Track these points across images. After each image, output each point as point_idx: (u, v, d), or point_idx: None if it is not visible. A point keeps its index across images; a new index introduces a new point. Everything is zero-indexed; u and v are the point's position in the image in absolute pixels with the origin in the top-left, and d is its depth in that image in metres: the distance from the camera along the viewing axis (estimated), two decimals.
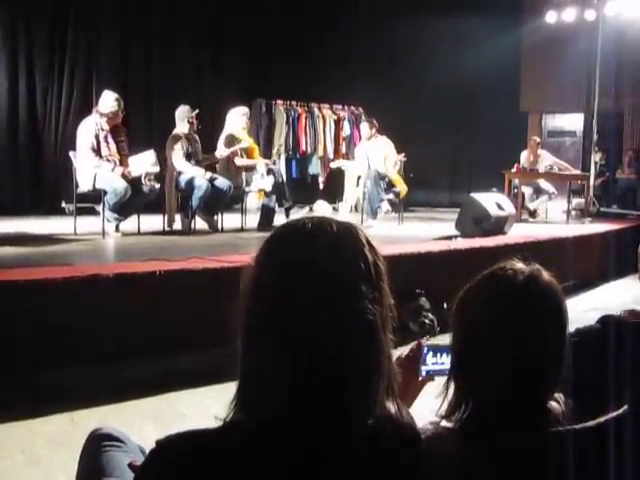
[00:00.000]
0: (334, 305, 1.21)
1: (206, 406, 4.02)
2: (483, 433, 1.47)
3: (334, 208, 12.20)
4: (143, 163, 7.81)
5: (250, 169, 8.86)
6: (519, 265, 1.55)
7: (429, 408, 1.60)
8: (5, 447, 3.33)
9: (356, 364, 1.21)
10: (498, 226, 8.38)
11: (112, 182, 7.47)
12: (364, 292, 1.23)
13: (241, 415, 1.24)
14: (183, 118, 8.48)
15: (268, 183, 8.67)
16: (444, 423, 1.56)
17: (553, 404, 1.52)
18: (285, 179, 9.66)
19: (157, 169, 7.90)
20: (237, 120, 8.97)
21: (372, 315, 1.23)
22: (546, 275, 1.55)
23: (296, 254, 1.25)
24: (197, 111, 8.60)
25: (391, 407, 1.29)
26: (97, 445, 1.88)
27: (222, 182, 8.36)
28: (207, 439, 1.23)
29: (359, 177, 10.55)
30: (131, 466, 1.73)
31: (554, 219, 11.93)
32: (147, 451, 2.02)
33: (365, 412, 1.23)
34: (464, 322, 1.56)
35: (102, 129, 7.68)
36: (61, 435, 3.59)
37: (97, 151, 7.61)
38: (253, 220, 8.80)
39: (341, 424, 1.21)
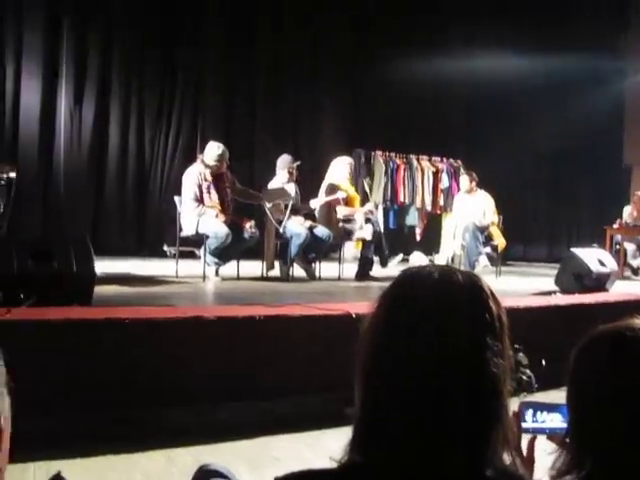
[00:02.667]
0: (461, 356, 1.21)
1: (300, 452, 4.03)
2: None
3: (430, 260, 12.13)
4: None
5: (349, 219, 8.92)
6: None
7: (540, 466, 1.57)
8: (107, 478, 3.41)
9: (478, 415, 1.21)
10: (599, 283, 8.17)
11: (214, 227, 7.66)
12: (489, 344, 1.23)
13: (357, 457, 1.25)
14: (284, 167, 8.64)
15: (367, 232, 8.72)
16: None
17: None
18: (382, 229, 9.69)
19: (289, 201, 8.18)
20: (341, 169, 9.07)
21: (496, 367, 1.23)
22: None
23: (423, 303, 1.25)
24: (299, 162, 8.75)
25: (507, 459, 1.28)
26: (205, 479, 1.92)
27: (322, 231, 8.45)
28: (325, 478, 1.25)
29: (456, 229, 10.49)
30: None
31: None
32: None
33: (484, 463, 1.22)
34: (583, 383, 1.52)
35: (205, 179, 7.88)
36: (159, 471, 3.65)
37: (200, 200, 7.82)
38: (350, 269, 8.83)
39: (458, 471, 1.20)
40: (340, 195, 8.85)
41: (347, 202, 9.03)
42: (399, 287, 1.32)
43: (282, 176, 8.62)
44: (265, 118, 12.37)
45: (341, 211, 8.86)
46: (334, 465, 1.26)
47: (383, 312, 1.29)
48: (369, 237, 8.71)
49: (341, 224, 8.85)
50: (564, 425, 1.65)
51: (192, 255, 8.35)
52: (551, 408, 1.83)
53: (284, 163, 8.67)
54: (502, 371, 1.24)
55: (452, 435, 1.19)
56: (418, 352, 1.21)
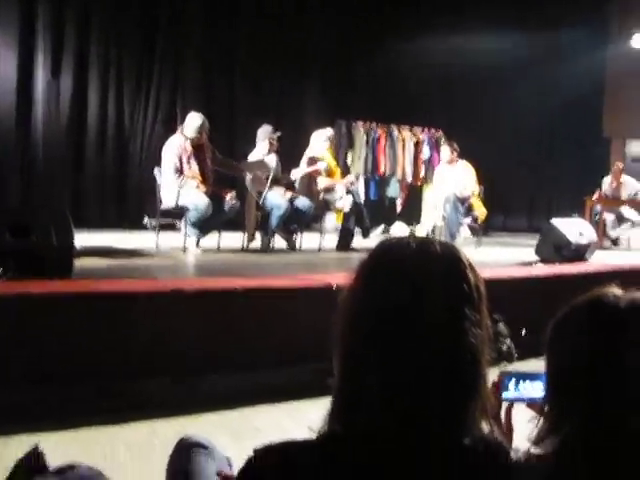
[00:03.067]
0: (438, 326, 1.22)
1: (281, 422, 4.05)
2: (574, 461, 1.45)
3: (412, 231, 12.16)
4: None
5: (330, 190, 8.91)
6: (619, 291, 1.53)
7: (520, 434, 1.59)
8: (90, 452, 3.42)
9: (457, 384, 1.22)
10: (579, 253, 8.23)
11: (195, 199, 7.62)
12: (467, 314, 1.24)
13: (336, 428, 1.26)
14: (264, 137, 8.60)
15: (347, 203, 8.71)
16: (535, 449, 1.55)
17: None
18: (363, 201, 9.70)
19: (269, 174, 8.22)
20: (322, 141, 9.04)
21: (474, 338, 1.24)
22: None
23: (402, 273, 1.25)
24: (279, 133, 8.71)
25: (485, 428, 1.29)
26: (187, 451, 1.93)
27: (303, 202, 8.44)
28: (304, 449, 1.25)
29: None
30: (220, 475, 1.76)
31: (637, 247, 11.65)
32: (232, 461, 2.07)
33: (462, 431, 1.23)
34: (561, 350, 1.54)
35: (185, 150, 7.84)
36: (141, 443, 3.67)
37: (180, 171, 7.78)
38: (331, 241, 8.84)
39: (437, 440, 1.21)
40: (321, 166, 8.83)
41: (328, 174, 9.02)
42: (377, 257, 1.32)
43: (263, 147, 8.59)
44: (245, 89, 12.28)
45: (322, 182, 8.86)
46: (313, 436, 1.27)
47: (360, 282, 1.29)
48: (347, 208, 8.71)
49: (322, 195, 8.84)
50: (542, 394, 1.66)
51: (173, 227, 8.32)
52: (532, 377, 1.84)
53: (265, 133, 8.63)
54: (480, 341, 1.25)
55: (430, 404, 1.20)
56: (395, 321, 1.22)
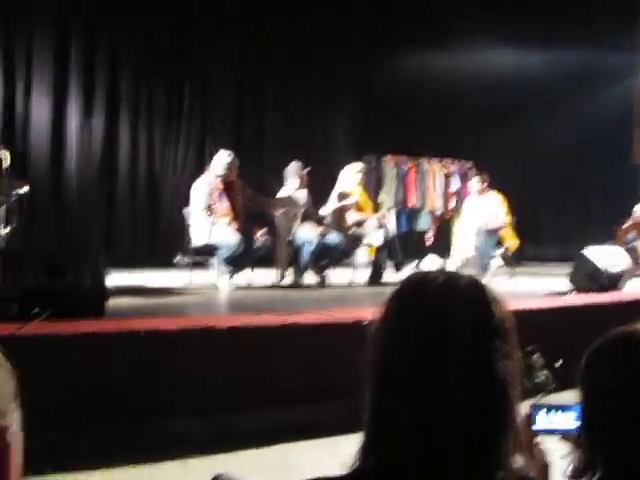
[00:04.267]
0: (468, 361, 1.21)
1: (319, 458, 4.02)
2: None
3: (443, 264, 12.09)
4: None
5: (360, 225, 8.88)
6: None
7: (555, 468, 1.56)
8: None
9: (488, 419, 1.21)
10: (613, 281, 8.13)
11: (226, 236, 7.65)
12: (494, 347, 1.24)
13: (369, 462, 1.25)
14: (294, 174, 8.64)
15: (379, 238, 8.68)
16: None
17: None
18: (395, 234, 9.67)
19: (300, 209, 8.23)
20: (352, 176, 9.03)
21: (504, 370, 1.23)
22: None
23: (429, 308, 1.26)
24: (309, 169, 8.74)
25: (518, 461, 1.27)
26: None
27: (333, 237, 8.43)
28: None
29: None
30: None
31: None
32: None
33: (494, 465, 1.21)
34: (598, 381, 1.52)
35: (216, 187, 7.90)
36: None
37: (211, 209, 7.83)
38: (363, 275, 8.81)
39: (470, 476, 1.20)
40: (351, 200, 8.81)
41: (358, 208, 9.00)
42: (404, 292, 1.33)
43: (292, 184, 8.62)
44: (274, 126, 12.38)
45: (352, 217, 8.83)
46: (347, 470, 1.26)
47: (389, 316, 1.30)
48: (378, 243, 8.67)
49: (353, 229, 8.81)
50: (576, 425, 1.64)
51: (204, 265, 8.35)
52: (563, 408, 1.81)
53: (294, 170, 8.68)
54: (509, 373, 1.24)
55: (459, 439, 1.19)
56: (424, 356, 1.22)
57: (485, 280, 1.34)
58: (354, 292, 8.02)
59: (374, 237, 8.71)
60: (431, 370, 1.21)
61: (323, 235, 8.35)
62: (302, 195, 8.56)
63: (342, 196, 8.82)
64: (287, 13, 12.26)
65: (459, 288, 1.28)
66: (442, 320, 1.23)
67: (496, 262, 10.16)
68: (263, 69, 12.21)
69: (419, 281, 1.33)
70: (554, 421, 1.80)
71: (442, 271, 1.32)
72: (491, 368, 1.22)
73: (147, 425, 4.16)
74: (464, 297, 1.27)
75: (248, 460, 4.02)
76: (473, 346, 1.22)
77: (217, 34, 11.74)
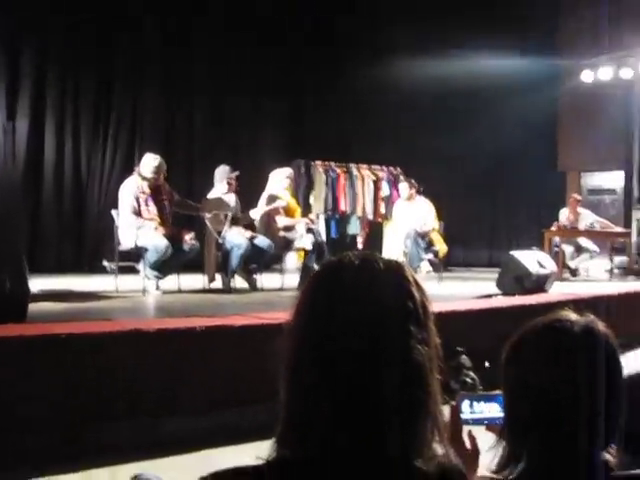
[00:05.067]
0: (382, 345, 1.18)
1: (242, 463, 3.97)
2: None
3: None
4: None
5: (290, 229, 8.87)
6: (574, 316, 1.53)
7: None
8: None
9: (404, 405, 1.18)
10: (539, 284, 8.29)
11: (153, 240, 7.55)
12: (412, 332, 1.21)
13: (284, 452, 1.22)
14: (222, 178, 8.56)
15: (308, 242, 8.68)
16: (494, 477, 1.52)
17: (608, 456, 1.47)
18: (325, 239, 9.68)
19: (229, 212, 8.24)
20: (280, 180, 9.00)
21: (420, 355, 1.20)
22: (602, 325, 1.53)
23: (343, 291, 1.22)
24: (237, 173, 8.68)
25: (438, 449, 1.25)
26: None
27: (262, 241, 8.38)
28: (253, 475, 1.23)
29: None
30: None
31: (596, 277, 11.77)
32: None
33: (413, 453, 1.19)
34: (518, 373, 1.52)
35: (143, 192, 7.78)
36: None
37: (138, 213, 7.71)
38: (293, 280, 8.79)
39: (387, 462, 1.17)
40: (280, 204, 8.78)
41: (287, 213, 8.97)
42: (318, 278, 1.29)
43: (221, 187, 8.54)
44: (204, 130, 12.29)
45: (281, 221, 8.80)
46: (262, 461, 1.23)
47: (303, 305, 1.26)
48: (309, 246, 8.66)
49: (282, 233, 8.78)
50: (501, 414, 1.64)
51: (132, 270, 8.22)
52: (488, 398, 1.82)
53: (222, 174, 8.59)
54: (427, 359, 1.21)
55: (377, 425, 1.17)
56: (338, 342, 1.18)
57: None
58: (284, 296, 7.98)
59: (304, 241, 8.70)
60: (346, 356, 1.17)
61: (252, 239, 8.30)
62: (231, 199, 8.48)
63: (271, 200, 8.79)
64: (216, 13, 12.19)
65: (376, 270, 1.24)
66: (356, 302, 1.20)
67: (425, 266, 10.28)
68: (193, 70, 12.12)
69: (333, 265, 1.29)
70: (479, 410, 1.81)
71: (359, 254, 1.28)
72: (407, 353, 1.19)
73: (71, 432, 4.05)
74: (381, 279, 1.23)
75: (173, 466, 3.95)
76: (389, 329, 1.19)
77: (146, 33, 11.62)
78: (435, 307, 1.31)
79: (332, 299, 1.22)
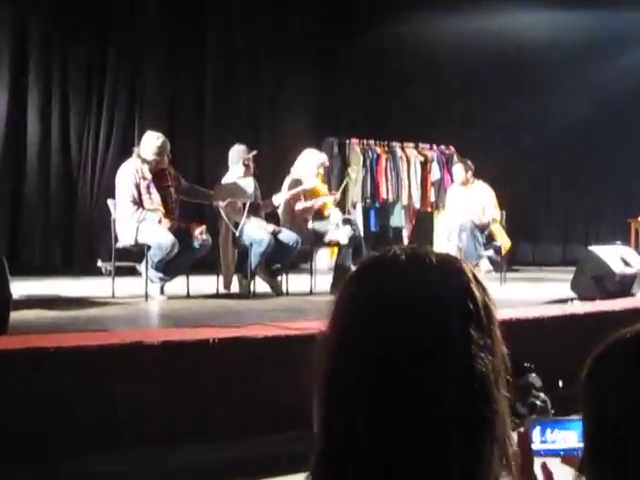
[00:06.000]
0: (438, 354, 1.17)
1: None
2: None
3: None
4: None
5: (320, 216, 8.84)
6: None
7: None
8: None
9: (466, 426, 1.18)
10: (624, 286, 8.21)
11: (157, 236, 7.59)
12: (474, 337, 1.20)
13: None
14: (238, 159, 8.55)
15: (344, 235, 8.64)
16: None
17: None
18: (362, 233, 9.67)
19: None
20: (310, 167, 8.99)
21: (484, 365, 1.19)
22: None
23: (388, 293, 1.21)
24: (255, 152, 8.68)
25: None
26: None
27: (287, 236, 8.39)
28: None
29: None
30: None
31: None
32: None
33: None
34: (601, 395, 1.51)
35: (144, 177, 7.80)
36: None
37: (139, 203, 7.75)
38: (325, 282, 8.79)
39: None
40: (305, 187, 8.71)
41: (311, 195, 8.92)
42: (359, 277, 1.28)
43: (237, 170, 8.53)
44: (217, 103, 12.30)
45: (302, 205, 8.73)
46: None
47: (341, 309, 1.25)
48: (344, 240, 8.63)
49: (310, 225, 8.77)
50: (580, 444, 1.63)
51: (132, 271, 8.28)
52: (563, 424, 1.81)
53: (238, 154, 8.56)
54: (493, 370, 1.20)
55: (429, 452, 1.15)
56: (385, 355, 1.17)
57: None
58: (314, 301, 7.98)
59: (339, 234, 8.66)
60: (394, 371, 1.17)
61: (276, 233, 8.30)
62: (249, 184, 8.48)
63: (295, 184, 8.76)
64: None
65: (427, 266, 1.23)
66: (405, 306, 1.19)
67: (484, 265, 10.23)
68: (205, 33, 12.16)
69: (375, 263, 1.28)
70: (554, 439, 1.80)
71: (405, 248, 1.27)
72: (469, 363, 1.19)
73: (58, 464, 4.09)
74: (434, 276, 1.22)
75: None
76: (446, 336, 1.18)
77: None
78: (497, 314, 1.31)
79: (376, 304, 1.21)
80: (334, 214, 8.95)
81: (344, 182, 10.90)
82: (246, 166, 8.51)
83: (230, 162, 8.65)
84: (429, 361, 1.16)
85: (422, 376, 1.16)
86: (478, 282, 1.25)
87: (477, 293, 1.23)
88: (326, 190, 9.48)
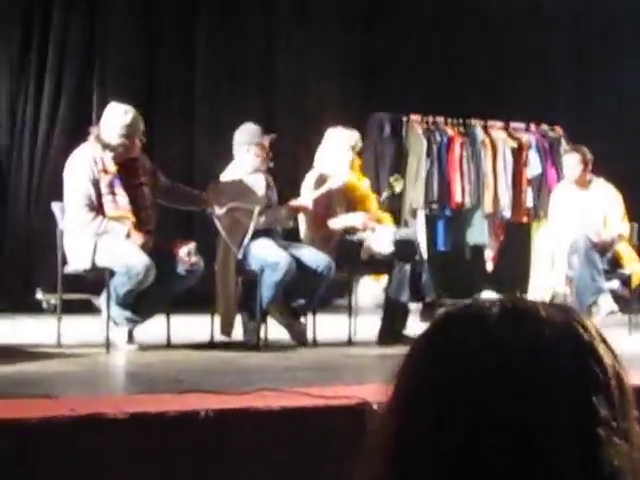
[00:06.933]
0: (550, 443, 1.17)
1: None
2: None
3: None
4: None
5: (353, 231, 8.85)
6: None
7: None
8: None
9: None
10: None
11: (124, 257, 7.62)
12: (602, 417, 1.20)
13: None
14: (249, 143, 8.56)
15: (384, 239, 8.51)
16: None
17: None
18: (426, 253, 9.69)
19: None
20: (339, 148, 9.01)
21: (617, 457, 1.19)
22: None
23: (475, 368, 1.22)
24: (274, 135, 8.69)
25: None
26: None
27: (313, 257, 8.42)
28: None
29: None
30: None
31: None
32: None
33: None
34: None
35: (105, 171, 7.82)
36: None
37: (97, 209, 7.77)
38: (369, 324, 8.80)
39: None
40: (330, 187, 8.69)
41: (351, 204, 8.95)
42: (432, 339, 1.30)
43: (245, 162, 8.53)
44: (214, 63, 12.37)
45: (337, 222, 8.74)
46: None
47: (408, 383, 1.27)
48: (387, 248, 8.54)
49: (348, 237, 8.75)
50: None
51: (87, 307, 8.34)
52: None
53: (248, 138, 8.55)
54: (627, 461, 1.20)
55: None
56: (472, 441, 1.18)
57: None
58: (354, 355, 8.02)
59: (379, 239, 8.57)
60: (488, 462, 1.17)
61: (296, 254, 8.31)
62: (259, 182, 8.51)
63: (321, 181, 8.75)
64: None
65: (532, 326, 1.23)
66: (503, 385, 1.20)
67: (606, 302, 10.19)
68: None
69: (457, 319, 1.30)
70: None
71: (496, 301, 1.28)
72: (594, 451, 1.18)
73: None
74: (543, 342, 1.22)
75: None
76: (558, 419, 1.18)
77: None
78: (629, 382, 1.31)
79: (461, 376, 1.22)
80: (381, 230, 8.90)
81: (385, 193, 10.78)
82: (258, 156, 8.50)
83: (235, 150, 8.66)
84: (536, 455, 1.17)
85: (529, 475, 1.16)
86: (606, 342, 1.26)
87: (606, 359, 1.24)
88: (365, 186, 9.46)
